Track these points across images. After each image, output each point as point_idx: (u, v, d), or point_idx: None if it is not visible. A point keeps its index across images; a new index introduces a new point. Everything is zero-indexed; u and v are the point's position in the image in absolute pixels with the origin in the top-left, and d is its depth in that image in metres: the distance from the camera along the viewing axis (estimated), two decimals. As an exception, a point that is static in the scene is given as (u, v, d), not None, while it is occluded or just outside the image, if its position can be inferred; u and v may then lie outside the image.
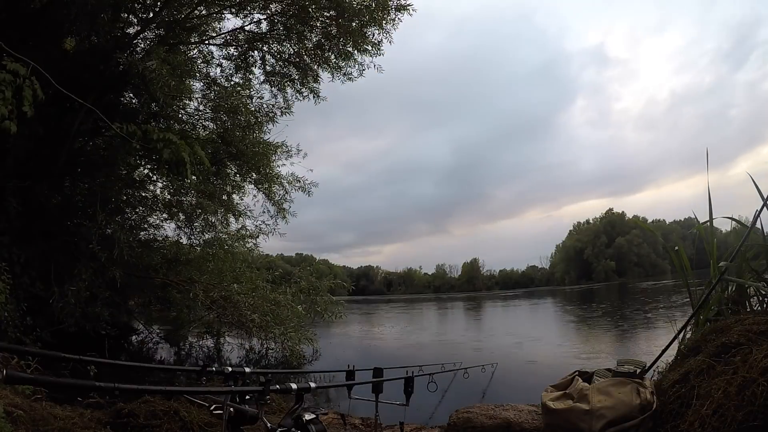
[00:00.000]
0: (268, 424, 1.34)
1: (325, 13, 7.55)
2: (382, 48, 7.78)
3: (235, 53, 8.61)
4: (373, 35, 7.68)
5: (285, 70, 8.53)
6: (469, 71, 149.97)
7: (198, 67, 8.51)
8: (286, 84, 8.61)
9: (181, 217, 9.05)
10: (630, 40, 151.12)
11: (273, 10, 7.92)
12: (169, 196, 8.88)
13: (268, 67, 8.59)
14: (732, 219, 3.78)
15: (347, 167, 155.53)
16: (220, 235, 9.32)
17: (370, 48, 7.79)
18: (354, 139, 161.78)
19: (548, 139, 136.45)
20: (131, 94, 8.05)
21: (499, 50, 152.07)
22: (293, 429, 1.32)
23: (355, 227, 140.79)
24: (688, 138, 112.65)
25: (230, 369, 1.76)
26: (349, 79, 8.27)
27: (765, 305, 3.09)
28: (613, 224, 72.28)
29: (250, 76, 8.74)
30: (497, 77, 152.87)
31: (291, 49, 8.30)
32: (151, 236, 9.00)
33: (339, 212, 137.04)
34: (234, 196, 9.46)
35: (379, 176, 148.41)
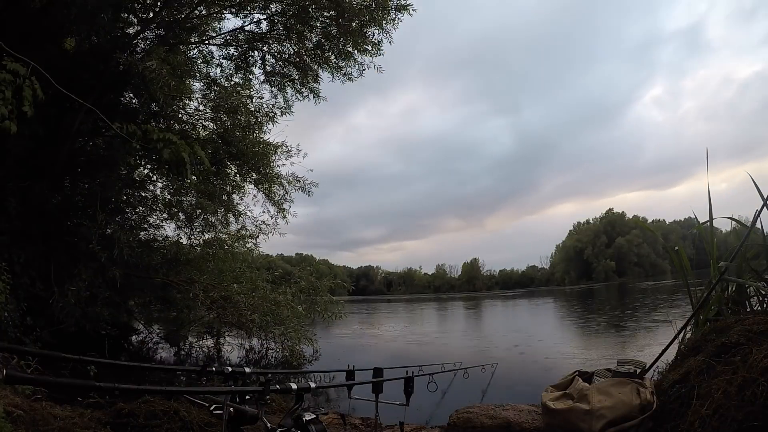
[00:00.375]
0: (268, 424, 1.34)
1: (325, 13, 7.56)
2: (382, 48, 7.80)
3: (235, 53, 8.62)
4: (373, 35, 7.71)
5: (285, 70, 8.54)
6: (562, 42, 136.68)
7: (198, 67, 8.53)
8: (286, 84, 8.61)
9: (181, 217, 9.05)
10: (725, 22, 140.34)
11: (273, 10, 7.93)
12: (169, 196, 8.89)
13: (268, 67, 8.60)
14: (732, 219, 3.78)
15: (396, 154, 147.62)
16: (220, 235, 9.32)
17: (370, 48, 7.81)
18: (411, 123, 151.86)
19: (617, 126, 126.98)
20: (131, 94, 8.06)
21: (603, 20, 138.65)
22: (293, 429, 1.32)
23: (386, 220, 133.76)
24: (739, 127, 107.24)
25: (230, 369, 1.75)
26: (349, 79, 8.29)
27: (765, 305, 3.09)
28: (613, 224, 72.32)
29: (250, 76, 8.76)
30: (589, 52, 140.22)
31: (291, 49, 8.31)
32: (151, 236, 9.00)
33: (372, 203, 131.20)
34: (234, 196, 9.47)
35: (427, 165, 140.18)
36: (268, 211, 9.52)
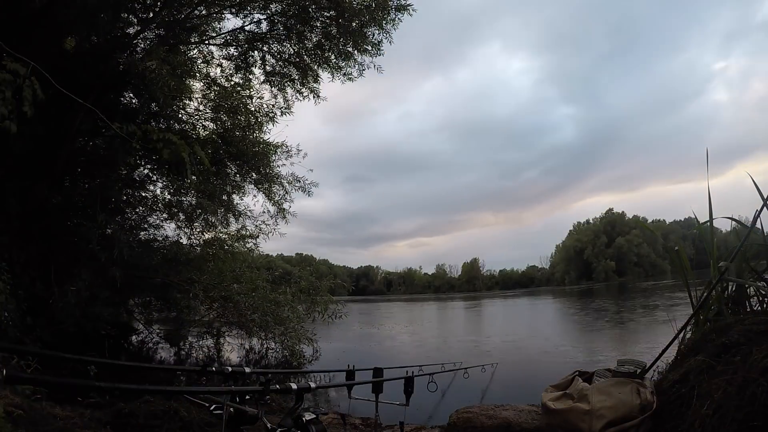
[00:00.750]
0: (268, 424, 1.34)
1: (325, 13, 7.55)
2: (382, 48, 7.79)
3: (235, 53, 8.61)
4: (373, 35, 7.70)
5: (285, 70, 8.53)
6: (651, 27, 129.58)
7: (198, 67, 8.50)
8: (286, 84, 8.61)
9: (181, 217, 9.05)
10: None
11: (273, 10, 7.91)
12: (169, 196, 8.89)
13: (268, 67, 8.59)
14: (732, 219, 3.78)
15: (450, 141, 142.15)
16: (220, 235, 9.33)
17: (370, 48, 7.80)
18: (475, 109, 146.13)
19: (682, 117, 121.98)
20: (131, 94, 8.05)
21: (697, 6, 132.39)
22: (293, 429, 1.32)
23: (417, 214, 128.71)
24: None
25: (230, 369, 1.76)
26: (349, 79, 8.27)
27: (765, 305, 3.08)
28: (613, 224, 72.36)
29: (250, 76, 8.74)
30: (676, 39, 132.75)
31: (291, 49, 8.30)
32: (151, 236, 9.00)
33: (409, 195, 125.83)
34: (234, 196, 9.47)
35: (477, 154, 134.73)
36: (268, 211, 9.54)
